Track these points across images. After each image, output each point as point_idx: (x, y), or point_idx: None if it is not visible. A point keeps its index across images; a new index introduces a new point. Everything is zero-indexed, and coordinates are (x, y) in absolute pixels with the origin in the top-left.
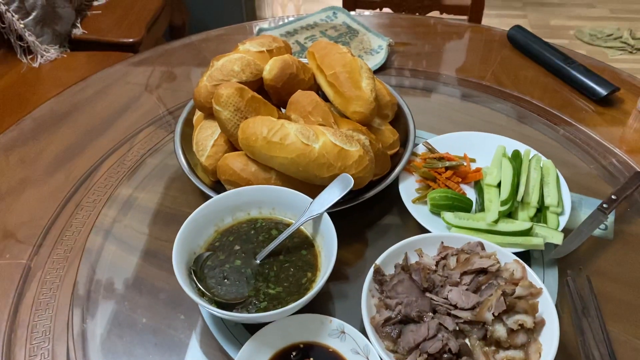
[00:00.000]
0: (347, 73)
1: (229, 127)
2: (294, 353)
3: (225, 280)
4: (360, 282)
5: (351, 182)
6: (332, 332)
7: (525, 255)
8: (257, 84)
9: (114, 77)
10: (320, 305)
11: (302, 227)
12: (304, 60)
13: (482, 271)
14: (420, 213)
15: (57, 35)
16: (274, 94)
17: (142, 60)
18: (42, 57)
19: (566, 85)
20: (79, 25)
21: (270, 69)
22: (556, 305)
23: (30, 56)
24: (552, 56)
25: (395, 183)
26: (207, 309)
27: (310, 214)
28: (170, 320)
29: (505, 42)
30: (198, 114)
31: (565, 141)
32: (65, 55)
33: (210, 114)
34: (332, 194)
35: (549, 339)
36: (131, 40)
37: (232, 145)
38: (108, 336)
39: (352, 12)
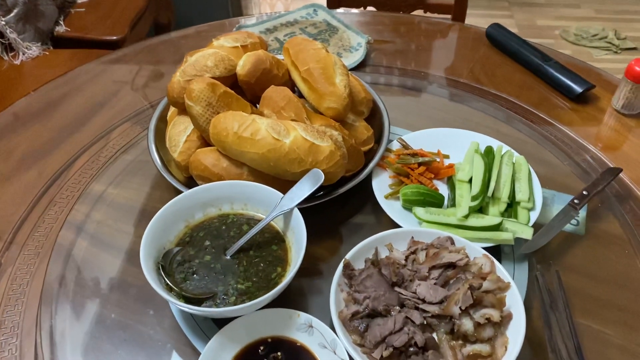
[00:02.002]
0: (321, 69)
1: (201, 122)
2: (261, 347)
3: (194, 275)
4: (332, 277)
5: (322, 177)
6: (300, 326)
7: (496, 250)
8: (231, 80)
9: (92, 73)
10: (292, 300)
11: (273, 222)
12: (281, 57)
13: (451, 265)
14: (392, 209)
15: (39, 32)
16: (247, 90)
17: (120, 57)
18: (23, 54)
19: (543, 82)
20: (61, 22)
21: (243, 64)
22: (525, 300)
23: (12, 53)
24: (530, 54)
25: (368, 179)
26: (175, 303)
27: (281, 209)
28: (139, 316)
29: (484, 40)
30: (172, 109)
31: (541, 138)
32: (47, 53)
33: (184, 110)
34: (302, 189)
35: (516, 333)
36: (114, 38)
37: (205, 141)
38: (77, 332)
39: (335, 10)
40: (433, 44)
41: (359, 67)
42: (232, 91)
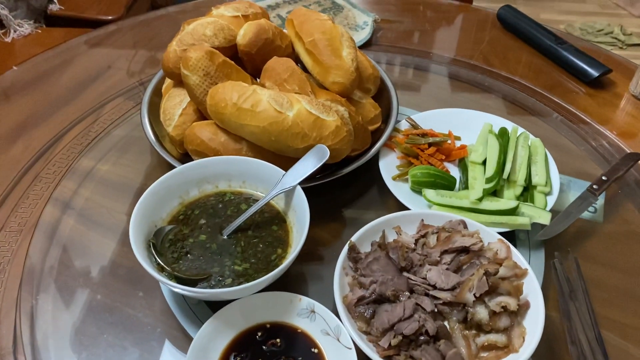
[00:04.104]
0: (327, 40)
1: (197, 93)
2: (259, 333)
3: (188, 255)
4: (336, 262)
5: (327, 154)
6: (301, 311)
7: (510, 236)
8: (231, 51)
9: (84, 47)
10: (291, 285)
11: (273, 201)
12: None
13: (464, 250)
14: (400, 191)
15: (31, 10)
16: (248, 62)
17: (115, 30)
18: (15, 31)
19: (556, 66)
20: (55, 1)
21: (244, 34)
22: (541, 289)
23: (3, 30)
24: (543, 36)
25: (375, 160)
26: (166, 284)
27: (283, 186)
28: (128, 298)
29: (495, 23)
30: (167, 82)
31: (555, 122)
32: (40, 31)
33: (179, 82)
34: (306, 166)
35: (534, 323)
36: (110, 17)
37: (202, 114)
38: (59, 314)
39: None
40: (441, 25)
41: (365, 47)
42: (232, 62)
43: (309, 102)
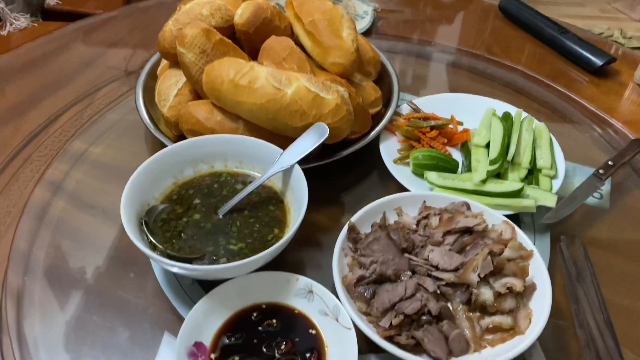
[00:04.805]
0: (327, 21)
1: (193, 72)
2: (254, 314)
3: (181, 234)
4: (334, 246)
5: (326, 131)
6: (298, 291)
7: (515, 220)
8: (228, 32)
9: (79, 33)
10: (289, 270)
11: (271, 182)
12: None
13: (467, 231)
14: (401, 174)
15: (28, 3)
16: (245, 42)
17: (112, 17)
18: (11, 25)
19: (560, 56)
20: None
21: (242, 13)
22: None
23: None
24: (546, 26)
25: (375, 145)
26: (158, 261)
27: (281, 165)
28: (118, 280)
29: (497, 14)
30: (162, 65)
31: (559, 110)
32: (36, 25)
33: (175, 63)
34: (305, 144)
35: (540, 305)
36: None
37: (198, 95)
38: (46, 295)
39: None
40: (443, 15)
41: (365, 36)
42: (229, 40)
43: (308, 79)
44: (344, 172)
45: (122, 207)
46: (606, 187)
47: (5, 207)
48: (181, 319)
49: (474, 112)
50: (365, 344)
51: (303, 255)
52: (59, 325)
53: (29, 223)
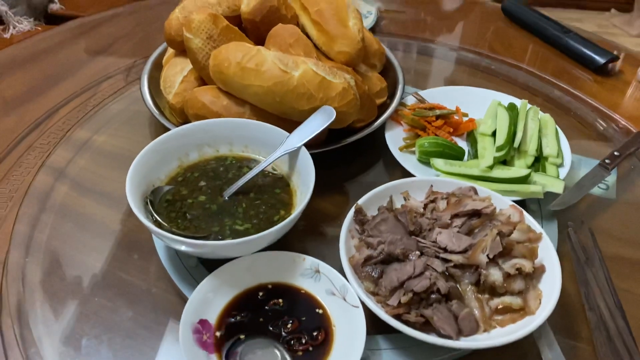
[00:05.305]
0: (333, 10)
1: (199, 57)
2: (260, 293)
3: (187, 215)
4: (340, 231)
5: (333, 114)
6: (305, 271)
7: (522, 207)
8: (235, 22)
9: (84, 28)
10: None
11: (277, 166)
12: None
13: (475, 214)
14: (407, 162)
15: (32, 7)
16: (252, 31)
17: (117, 13)
18: (14, 28)
19: (562, 55)
20: (56, 0)
21: (248, 1)
22: None
23: (2, 26)
24: (548, 26)
25: (381, 134)
26: (163, 236)
27: (287, 147)
28: (121, 262)
29: (500, 15)
30: (168, 54)
31: (563, 104)
32: (39, 29)
33: (181, 51)
34: (311, 127)
35: (550, 286)
36: None
37: (204, 82)
38: (47, 277)
39: None
40: (445, 16)
41: None
42: (236, 27)
43: (315, 64)
44: (350, 161)
45: (128, 185)
46: (612, 178)
47: (7, 192)
48: (185, 301)
49: (478, 105)
50: (372, 327)
51: (308, 242)
52: (60, 306)
53: (31, 207)
